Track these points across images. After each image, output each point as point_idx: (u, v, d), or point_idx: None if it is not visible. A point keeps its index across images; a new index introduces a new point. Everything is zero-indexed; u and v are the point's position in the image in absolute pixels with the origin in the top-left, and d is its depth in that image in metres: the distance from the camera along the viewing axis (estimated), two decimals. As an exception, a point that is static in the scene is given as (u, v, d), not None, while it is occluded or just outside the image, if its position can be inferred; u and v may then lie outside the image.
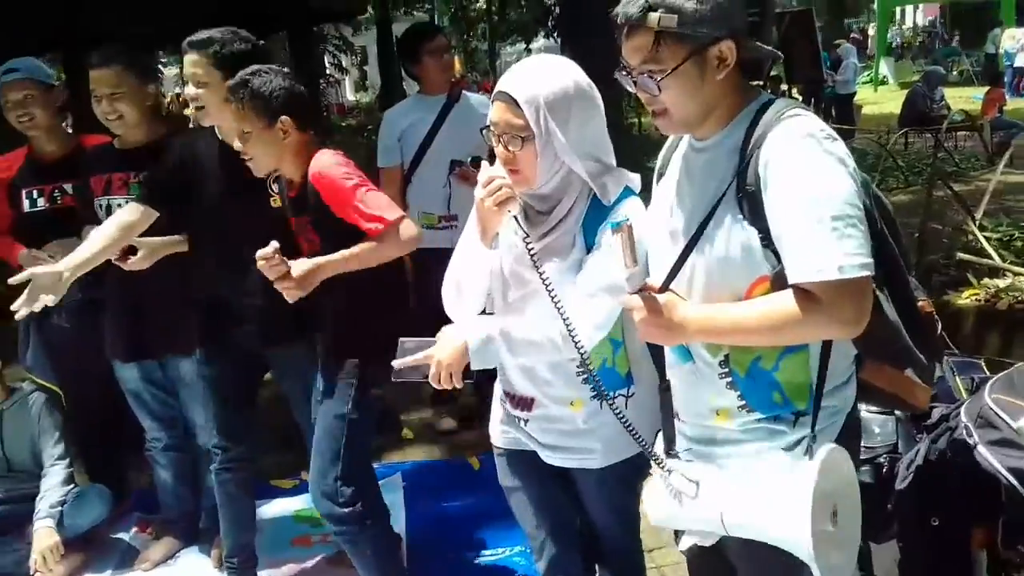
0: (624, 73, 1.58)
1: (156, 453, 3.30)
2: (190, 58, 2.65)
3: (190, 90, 2.68)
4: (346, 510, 2.54)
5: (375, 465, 3.87)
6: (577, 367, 1.90)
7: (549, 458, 2.05)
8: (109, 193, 3.06)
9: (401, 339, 1.97)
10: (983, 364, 2.52)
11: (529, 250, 1.80)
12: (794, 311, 1.45)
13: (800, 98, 14.26)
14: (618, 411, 1.75)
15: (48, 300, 2.54)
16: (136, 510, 3.65)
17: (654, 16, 1.49)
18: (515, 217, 1.83)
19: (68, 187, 3.26)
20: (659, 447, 1.76)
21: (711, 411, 1.66)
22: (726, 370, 1.62)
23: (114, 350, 3.17)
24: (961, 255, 6.09)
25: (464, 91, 4.16)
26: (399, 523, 3.37)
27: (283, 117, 2.40)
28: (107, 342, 3.17)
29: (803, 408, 1.58)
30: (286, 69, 2.50)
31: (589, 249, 1.85)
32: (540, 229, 1.89)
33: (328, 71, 24.49)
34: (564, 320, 1.76)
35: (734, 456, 1.63)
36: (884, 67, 22.31)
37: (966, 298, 5.44)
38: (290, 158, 2.48)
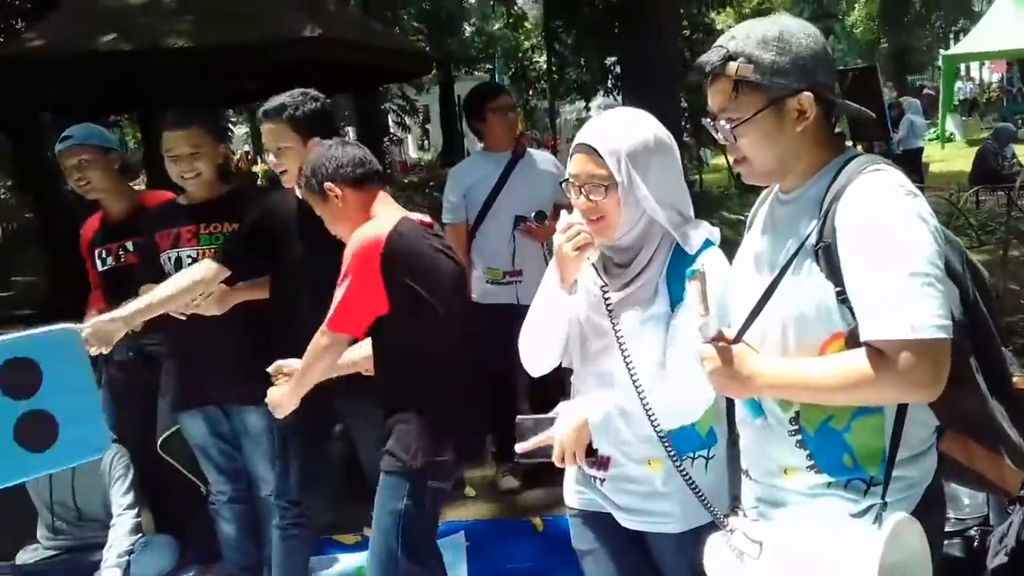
0: (708, 120, 1.61)
1: (220, 506, 3.29)
2: (267, 127, 2.76)
3: (271, 158, 2.78)
4: None
5: (440, 523, 3.88)
6: (653, 424, 1.85)
7: (625, 521, 2.00)
8: (178, 246, 3.13)
9: (519, 418, 1.95)
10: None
11: (606, 300, 1.81)
12: (865, 370, 1.40)
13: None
14: (686, 475, 1.72)
15: (102, 348, 2.63)
16: (196, 562, 3.65)
17: (732, 65, 1.52)
18: (593, 265, 1.85)
19: (130, 245, 3.38)
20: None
21: (780, 469, 1.61)
22: (796, 427, 1.57)
23: (179, 399, 3.19)
24: (1041, 317, 5.90)
25: (527, 148, 4.20)
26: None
27: (328, 184, 2.47)
28: (172, 393, 3.20)
29: (875, 474, 1.52)
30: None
31: (674, 302, 1.84)
32: (619, 280, 1.89)
33: (391, 130, 25.06)
34: (632, 375, 1.77)
35: (801, 519, 1.57)
36: (950, 124, 21.97)
37: (1045, 363, 5.20)
38: (350, 221, 2.49)
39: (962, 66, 27.12)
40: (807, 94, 1.51)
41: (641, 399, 1.81)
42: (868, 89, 12.78)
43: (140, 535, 3.36)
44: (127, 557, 3.23)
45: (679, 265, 1.84)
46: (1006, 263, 6.18)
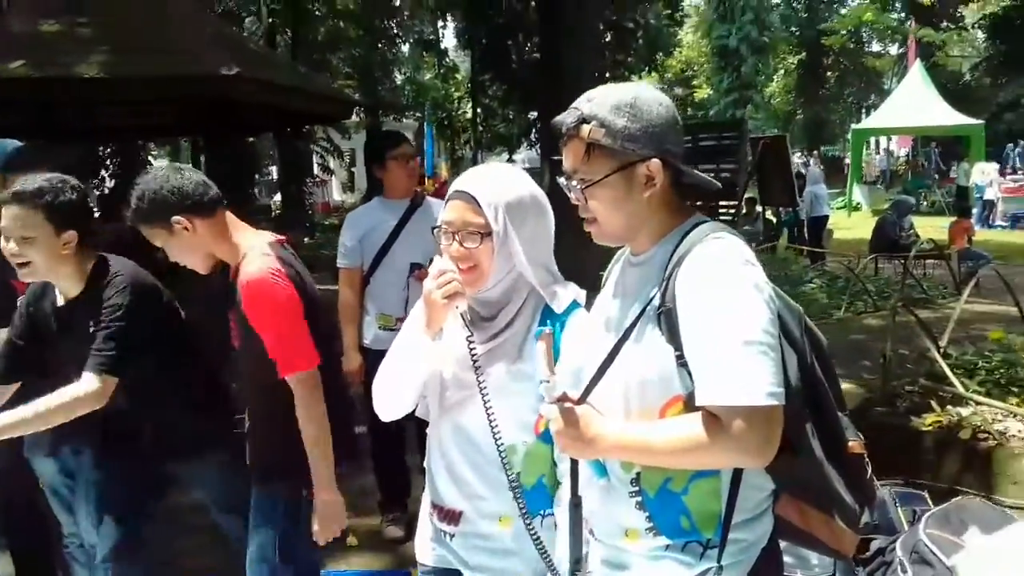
0: (563, 179, 1.63)
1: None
2: (14, 211, 2.52)
3: (10, 245, 2.56)
4: None
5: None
6: (510, 481, 1.83)
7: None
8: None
9: None
10: (927, 496, 2.48)
11: (471, 351, 1.80)
12: (700, 435, 1.43)
13: (775, 220, 14.59)
14: (534, 534, 1.70)
15: None
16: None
17: (585, 128, 1.55)
18: (461, 315, 1.83)
19: None
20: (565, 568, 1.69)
21: (621, 530, 1.61)
22: (636, 488, 1.58)
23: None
24: (924, 381, 6.11)
25: (427, 197, 4.20)
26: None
27: (176, 218, 2.38)
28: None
29: (711, 537, 1.54)
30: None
31: None
32: (485, 333, 1.88)
33: (316, 172, 24.91)
34: (493, 429, 1.76)
35: None
36: (858, 193, 22.93)
37: (929, 424, 5.41)
38: (203, 251, 2.47)
39: (872, 139, 28.37)
40: (655, 161, 1.55)
41: (500, 453, 1.80)
42: (778, 157, 13.34)
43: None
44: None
45: (548, 324, 1.84)
46: (896, 328, 6.39)
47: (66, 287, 2.70)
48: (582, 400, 1.58)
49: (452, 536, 1.98)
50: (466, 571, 1.98)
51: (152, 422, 2.77)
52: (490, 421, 1.77)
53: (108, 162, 19.61)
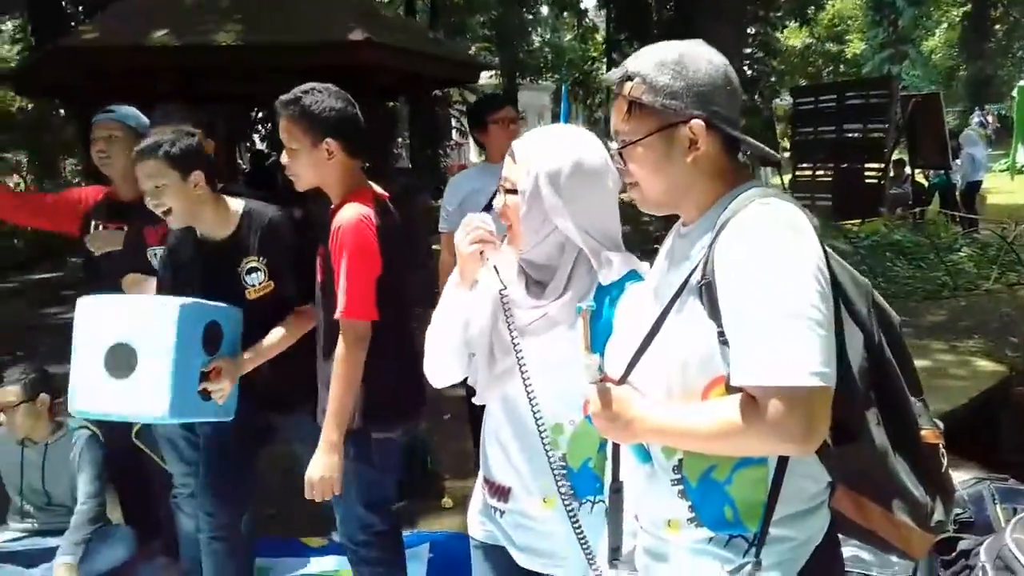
0: (609, 141, 1.56)
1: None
2: (146, 164, 2.67)
3: (149, 199, 2.71)
4: (359, 551, 2.64)
5: (407, 532, 3.83)
6: (549, 460, 1.78)
7: (520, 559, 1.93)
8: (165, 244, 3.11)
9: None
10: (1038, 492, 2.24)
11: (503, 298, 1.77)
12: (735, 418, 1.31)
13: (925, 183, 13.70)
14: (574, 518, 1.63)
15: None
16: (164, 554, 3.63)
17: (628, 85, 1.46)
18: (495, 267, 1.81)
19: (125, 229, 3.37)
20: (603, 555, 1.61)
21: (664, 520, 1.51)
22: (679, 476, 1.47)
23: None
24: (1073, 365, 5.60)
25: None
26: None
27: (328, 140, 2.44)
28: None
29: (757, 531, 1.41)
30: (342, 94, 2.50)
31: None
32: (536, 301, 1.82)
33: (454, 136, 25.22)
34: (532, 403, 1.71)
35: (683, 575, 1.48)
36: (1022, 155, 21.19)
37: (1075, 414, 4.96)
38: (332, 181, 2.52)
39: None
40: (698, 122, 1.42)
41: (540, 429, 1.74)
42: (930, 116, 12.48)
43: (100, 524, 3.37)
44: (83, 545, 3.25)
45: (597, 297, 1.76)
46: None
47: (210, 230, 2.80)
48: (623, 380, 1.49)
49: (502, 513, 1.93)
50: (512, 549, 1.93)
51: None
52: (528, 394, 1.72)
53: (259, 126, 20.50)
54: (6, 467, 3.46)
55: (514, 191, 1.78)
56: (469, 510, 2.08)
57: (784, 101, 20.53)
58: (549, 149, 1.78)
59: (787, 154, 15.55)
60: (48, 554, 3.27)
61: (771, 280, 1.29)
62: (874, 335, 1.40)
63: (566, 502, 1.70)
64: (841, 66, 32.74)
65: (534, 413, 1.73)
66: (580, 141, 1.81)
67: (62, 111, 17.90)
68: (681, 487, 1.47)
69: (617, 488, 1.59)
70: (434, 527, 4.00)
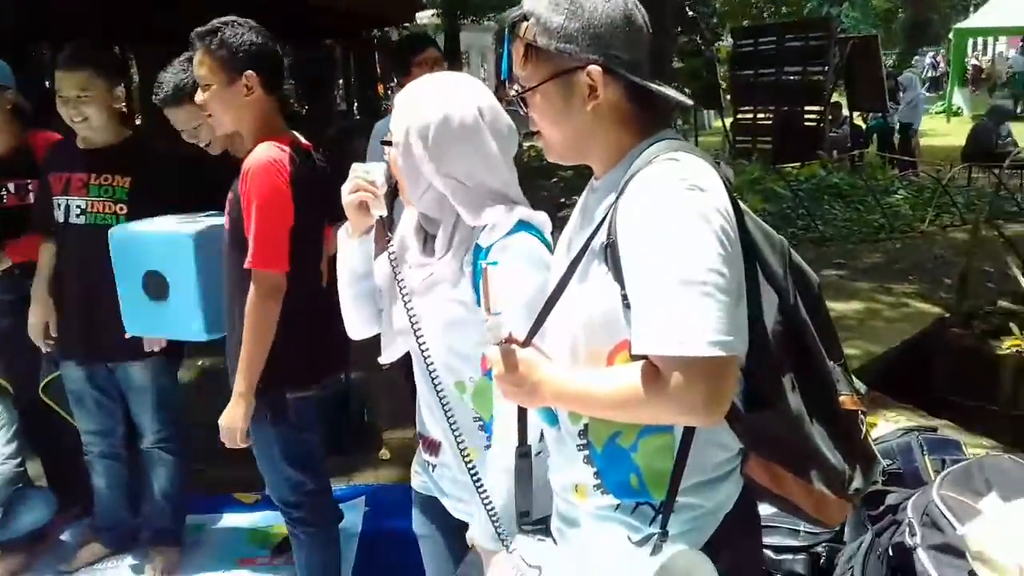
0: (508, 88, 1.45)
1: (92, 458, 3.20)
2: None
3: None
4: (292, 513, 2.60)
5: (343, 485, 3.78)
6: (473, 413, 1.76)
7: (453, 509, 1.90)
8: (68, 193, 2.97)
9: None
10: (963, 444, 2.23)
11: (390, 255, 1.76)
12: (636, 387, 1.24)
13: (864, 126, 13.83)
14: (473, 472, 1.59)
15: None
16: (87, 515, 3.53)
17: (523, 25, 1.35)
18: (380, 217, 1.80)
19: (11, 186, 3.22)
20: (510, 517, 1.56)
21: (572, 485, 1.45)
22: (584, 441, 1.41)
23: (66, 350, 3.08)
24: (1005, 303, 5.74)
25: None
26: (351, 547, 3.29)
27: (248, 72, 2.31)
28: (58, 341, 3.09)
29: (663, 500, 1.35)
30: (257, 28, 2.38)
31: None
32: (428, 257, 1.79)
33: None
34: (424, 356, 1.69)
35: (587, 542, 1.43)
36: (958, 98, 21.56)
37: (1007, 348, 5.09)
38: (249, 120, 2.40)
39: (980, 40, 26.53)
40: (595, 68, 1.32)
41: (434, 384, 1.70)
42: (867, 59, 12.55)
43: (18, 486, 3.24)
44: (1, 508, 3.12)
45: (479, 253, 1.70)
46: (975, 244, 5.98)
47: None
48: (527, 342, 1.41)
49: (434, 467, 1.91)
50: (444, 500, 1.91)
51: None
52: (420, 347, 1.69)
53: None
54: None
55: (391, 144, 1.75)
56: (412, 462, 2.05)
57: (727, 43, 20.48)
58: (421, 102, 1.72)
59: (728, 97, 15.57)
60: (-36, 518, 3.14)
61: (669, 244, 1.21)
62: (789, 297, 1.34)
63: (465, 458, 1.65)
64: (783, 8, 32.77)
65: (427, 365, 1.69)
66: (458, 92, 1.73)
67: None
68: (587, 452, 1.41)
69: (524, 452, 1.54)
70: (372, 479, 3.95)
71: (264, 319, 2.31)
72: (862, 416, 1.40)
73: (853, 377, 1.44)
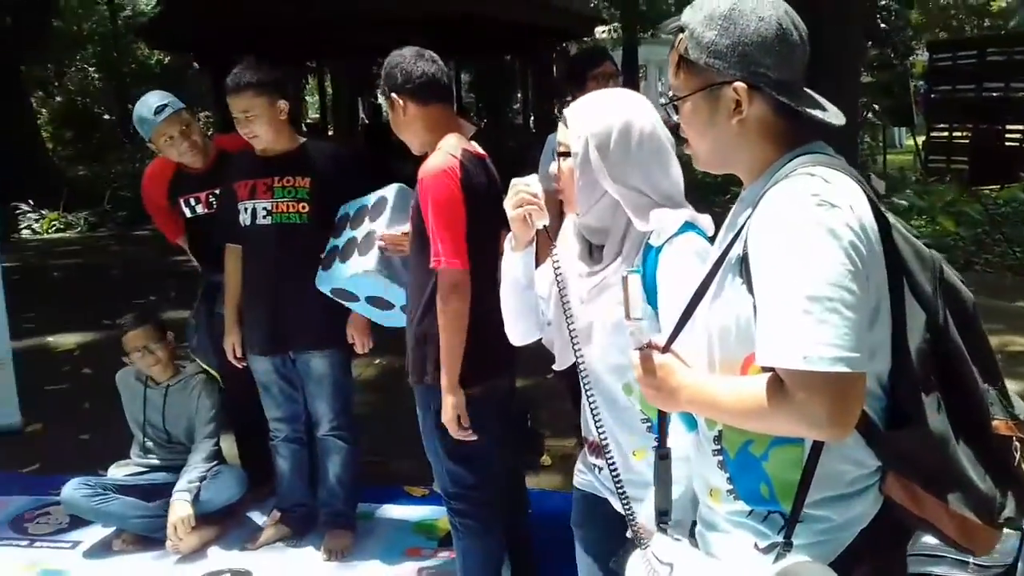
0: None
1: (278, 443, 3.47)
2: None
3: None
4: (452, 504, 2.72)
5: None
6: (641, 415, 1.83)
7: (619, 506, 1.94)
8: (254, 197, 3.26)
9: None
10: None
11: (554, 262, 1.81)
12: (761, 399, 1.25)
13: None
14: (615, 469, 1.65)
15: None
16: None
17: (679, 37, 1.41)
18: (544, 227, 1.86)
19: (211, 198, 3.59)
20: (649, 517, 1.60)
21: (707, 489, 1.49)
22: (718, 447, 1.44)
23: (251, 343, 3.37)
24: None
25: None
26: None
27: (393, 96, 2.59)
28: (246, 335, 3.38)
29: (791, 511, 1.36)
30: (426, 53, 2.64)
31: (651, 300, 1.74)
32: (597, 265, 1.85)
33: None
34: (577, 357, 1.74)
35: (720, 546, 1.45)
36: None
37: None
38: (420, 133, 2.64)
39: None
40: (741, 84, 1.35)
41: (586, 390, 1.77)
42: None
43: (215, 463, 3.56)
44: (198, 483, 3.44)
45: (645, 256, 1.78)
46: None
47: None
48: (666, 348, 1.45)
49: (599, 469, 1.97)
50: (612, 499, 1.96)
51: None
52: (576, 358, 1.75)
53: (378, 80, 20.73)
54: (131, 405, 3.68)
55: (567, 154, 1.81)
56: (577, 461, 2.13)
57: (922, 56, 19.43)
58: (598, 113, 1.80)
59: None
60: (166, 489, 3.48)
61: (796, 258, 1.23)
62: (939, 315, 1.32)
63: (610, 464, 1.70)
64: (986, 20, 30.68)
65: (579, 369, 1.75)
66: (629, 104, 1.83)
67: (195, 64, 18.62)
68: (721, 458, 1.44)
69: (664, 455, 1.57)
70: (532, 485, 4.03)
71: (452, 314, 2.47)
72: (1017, 443, 1.36)
73: (1015, 403, 1.40)
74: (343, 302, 3.15)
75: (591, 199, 1.81)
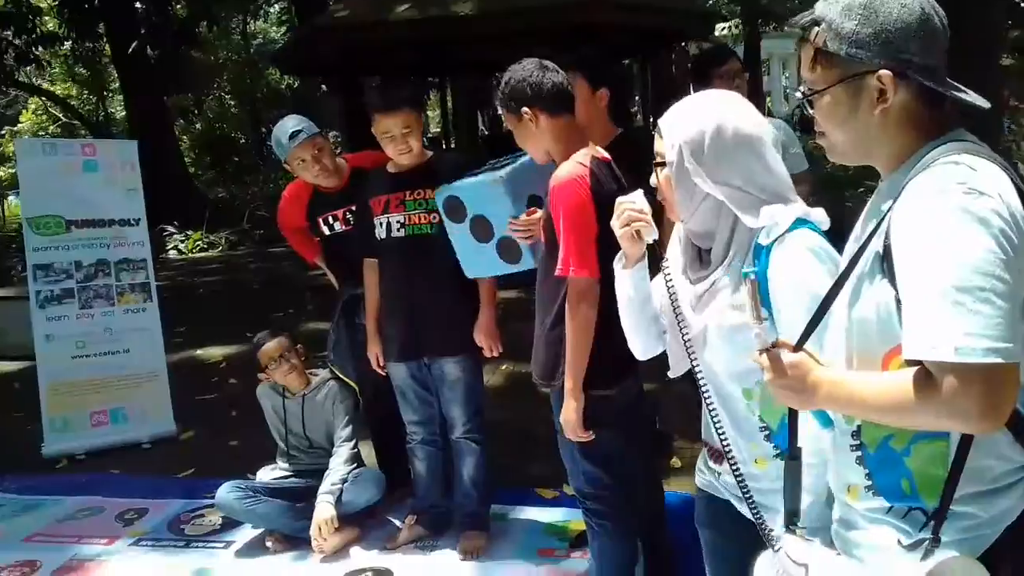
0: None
1: (414, 446, 3.60)
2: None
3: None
4: (587, 504, 2.74)
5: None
6: (759, 423, 1.81)
7: (744, 510, 1.92)
8: (388, 212, 3.39)
9: None
10: None
11: (665, 272, 1.82)
12: (907, 392, 1.23)
13: None
14: (740, 478, 1.65)
15: None
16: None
17: (814, 30, 1.39)
18: (653, 244, 1.87)
19: (349, 215, 3.73)
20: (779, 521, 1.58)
21: (844, 486, 1.47)
22: (857, 442, 1.42)
23: (389, 351, 3.51)
24: None
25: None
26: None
27: (524, 108, 2.60)
28: (384, 344, 3.52)
29: (935, 506, 1.33)
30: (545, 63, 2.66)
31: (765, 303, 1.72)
32: (706, 270, 1.83)
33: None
34: (693, 363, 1.75)
35: (859, 544, 1.43)
36: None
37: None
38: (549, 146, 2.66)
39: None
40: (887, 72, 1.33)
41: (705, 399, 1.77)
42: None
43: (355, 466, 3.71)
44: (340, 485, 3.59)
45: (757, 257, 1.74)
46: None
47: None
48: (799, 347, 1.43)
49: (719, 474, 1.98)
50: (735, 503, 1.95)
51: None
52: (691, 361, 1.75)
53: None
54: (272, 418, 3.89)
55: (663, 164, 1.80)
56: (698, 462, 2.13)
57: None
58: (688, 119, 1.78)
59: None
60: (311, 491, 3.65)
61: (944, 248, 1.20)
62: None
63: (735, 471, 1.70)
64: None
65: (699, 384, 1.75)
66: (720, 106, 1.79)
67: (324, 87, 19.37)
68: (859, 453, 1.42)
69: (795, 455, 1.55)
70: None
71: (579, 322, 2.48)
72: None
73: None
74: (447, 222, 3.16)
75: (692, 205, 1.80)
